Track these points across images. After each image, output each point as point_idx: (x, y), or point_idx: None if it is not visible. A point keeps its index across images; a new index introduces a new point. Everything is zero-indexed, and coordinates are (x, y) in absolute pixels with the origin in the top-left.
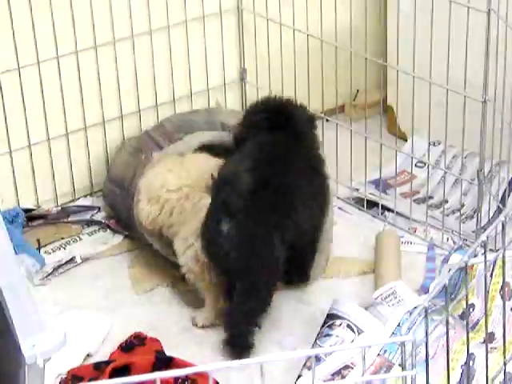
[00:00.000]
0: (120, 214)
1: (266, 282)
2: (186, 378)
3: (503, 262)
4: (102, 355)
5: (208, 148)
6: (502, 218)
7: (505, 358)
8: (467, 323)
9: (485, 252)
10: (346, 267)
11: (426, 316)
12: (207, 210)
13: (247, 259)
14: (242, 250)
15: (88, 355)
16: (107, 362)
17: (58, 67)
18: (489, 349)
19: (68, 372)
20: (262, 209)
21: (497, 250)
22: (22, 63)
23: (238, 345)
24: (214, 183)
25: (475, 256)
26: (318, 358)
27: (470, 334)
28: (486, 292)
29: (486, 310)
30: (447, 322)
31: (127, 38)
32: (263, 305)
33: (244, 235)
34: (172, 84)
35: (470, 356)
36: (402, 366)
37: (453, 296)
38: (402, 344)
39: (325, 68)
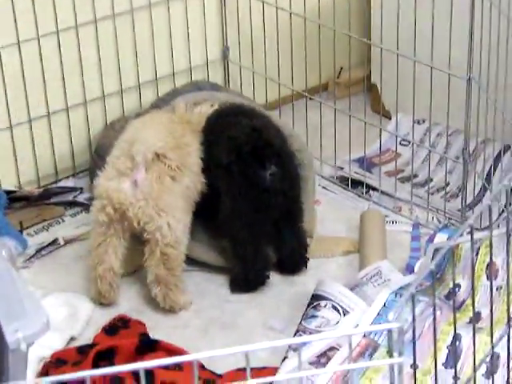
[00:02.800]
0: None
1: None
2: None
3: (490, 244)
4: (85, 338)
5: None
6: (488, 201)
7: (492, 337)
8: (454, 303)
9: (471, 235)
10: (331, 247)
11: (412, 302)
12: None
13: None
14: (290, 189)
15: (72, 338)
16: (91, 346)
17: (39, 47)
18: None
19: (51, 355)
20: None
21: (482, 229)
22: (1, 43)
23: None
24: (239, 133)
25: (461, 235)
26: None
27: (457, 314)
28: (473, 273)
29: (473, 291)
30: (434, 305)
31: (109, 16)
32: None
33: (289, 175)
34: (154, 63)
35: (456, 336)
36: (390, 354)
37: (438, 276)
38: (389, 331)
39: (308, 46)
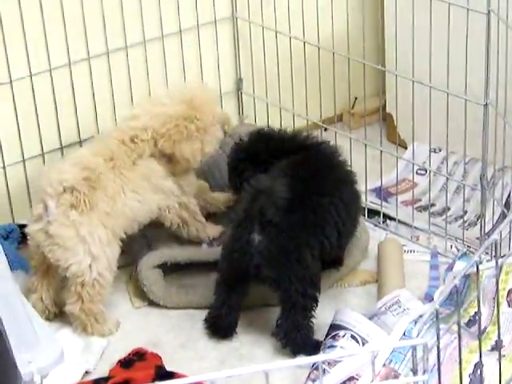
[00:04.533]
0: None
1: (302, 292)
2: None
3: None
4: (100, 372)
5: None
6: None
7: None
8: (479, 328)
9: (496, 253)
10: (349, 277)
11: (437, 318)
12: (237, 219)
13: (277, 272)
14: (272, 263)
15: (86, 372)
16: (107, 379)
17: (32, 87)
18: (497, 356)
19: None
20: (294, 224)
21: (502, 256)
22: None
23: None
24: (249, 192)
25: (480, 263)
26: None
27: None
28: (497, 296)
29: (498, 316)
30: (459, 324)
31: (121, 48)
32: (305, 312)
33: (274, 249)
34: None
35: (478, 364)
36: (413, 371)
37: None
38: (414, 348)
39: (322, 76)
